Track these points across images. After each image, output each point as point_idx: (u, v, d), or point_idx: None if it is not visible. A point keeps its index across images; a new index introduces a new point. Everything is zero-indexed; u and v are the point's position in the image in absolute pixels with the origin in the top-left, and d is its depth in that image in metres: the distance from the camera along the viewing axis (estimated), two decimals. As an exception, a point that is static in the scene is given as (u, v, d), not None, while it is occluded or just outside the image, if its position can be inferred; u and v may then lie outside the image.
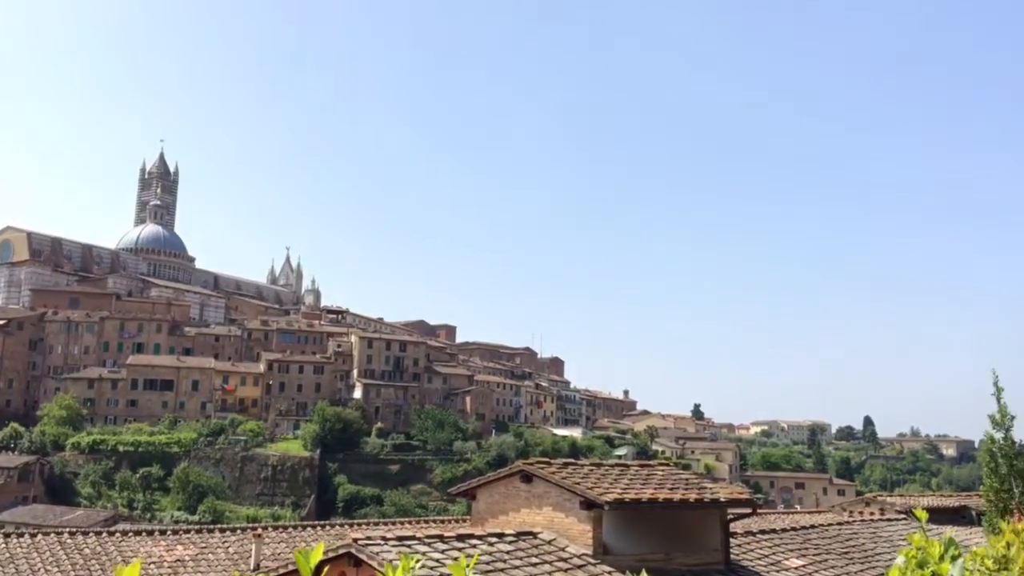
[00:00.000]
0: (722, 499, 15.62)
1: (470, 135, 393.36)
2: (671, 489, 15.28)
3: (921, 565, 2.92)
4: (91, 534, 21.34)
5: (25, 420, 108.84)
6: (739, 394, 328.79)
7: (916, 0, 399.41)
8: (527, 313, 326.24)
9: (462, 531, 14.20)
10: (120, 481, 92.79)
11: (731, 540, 16.36)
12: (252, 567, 18.66)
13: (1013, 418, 18.37)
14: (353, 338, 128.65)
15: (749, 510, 16.90)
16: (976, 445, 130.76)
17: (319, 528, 25.16)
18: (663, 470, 17.08)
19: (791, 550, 18.14)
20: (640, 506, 14.41)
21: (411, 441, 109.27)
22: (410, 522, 30.83)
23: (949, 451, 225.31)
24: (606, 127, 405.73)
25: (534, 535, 14.24)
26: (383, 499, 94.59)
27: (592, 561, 13.68)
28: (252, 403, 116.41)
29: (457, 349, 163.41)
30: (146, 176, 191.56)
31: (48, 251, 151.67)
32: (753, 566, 16.21)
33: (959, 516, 28.76)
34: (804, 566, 17.12)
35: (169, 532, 22.43)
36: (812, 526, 21.77)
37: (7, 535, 20.76)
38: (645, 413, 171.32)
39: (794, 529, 20.55)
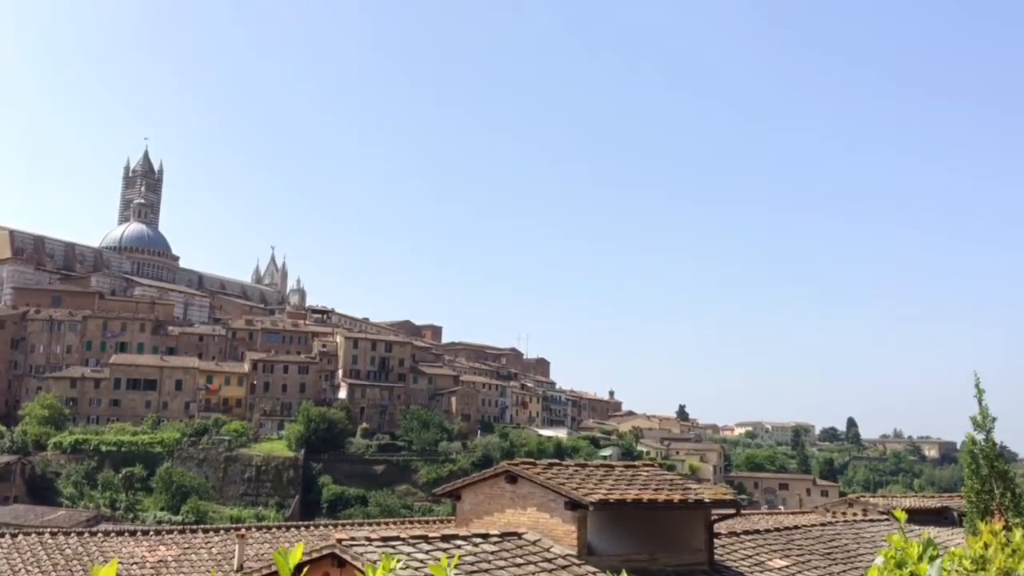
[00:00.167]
0: (706, 500, 15.68)
1: (457, 136, 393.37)
2: (656, 490, 15.33)
3: (900, 565, 2.95)
4: (73, 534, 21.18)
5: (6, 419, 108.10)
6: (724, 395, 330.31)
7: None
8: (513, 314, 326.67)
9: (447, 532, 14.19)
10: (102, 481, 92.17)
11: (715, 541, 16.43)
12: (235, 568, 18.57)
13: (994, 420, 18.50)
14: (338, 338, 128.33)
15: (733, 511, 16.97)
16: (958, 447, 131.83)
17: (303, 529, 25.04)
18: (648, 471, 17.12)
19: (775, 551, 18.23)
20: (625, 507, 14.45)
21: (396, 441, 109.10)
22: (395, 523, 30.74)
23: (931, 452, 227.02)
24: (590, 129, 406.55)
25: (519, 536, 14.25)
26: (368, 499, 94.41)
27: (577, 562, 13.70)
28: (236, 403, 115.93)
29: (443, 349, 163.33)
30: (130, 174, 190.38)
31: (31, 249, 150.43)
32: (737, 567, 16.28)
33: (941, 517, 28.93)
34: (787, 567, 17.21)
35: (152, 532, 22.27)
36: (795, 527, 21.88)
37: (-13, 535, 20.57)
38: (630, 414, 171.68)
39: (777, 530, 20.64)
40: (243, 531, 21.40)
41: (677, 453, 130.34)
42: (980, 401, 18.21)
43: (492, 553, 13.00)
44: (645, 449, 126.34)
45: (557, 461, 17.35)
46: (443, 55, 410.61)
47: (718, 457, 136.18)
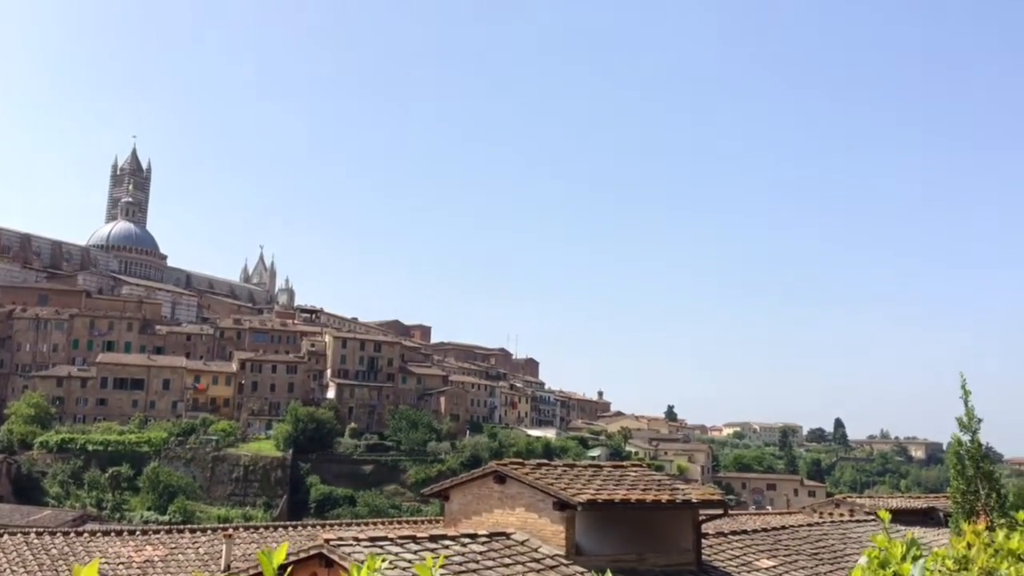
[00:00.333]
0: (694, 500, 15.73)
1: (447, 137, 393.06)
2: (644, 490, 15.37)
3: (883, 565, 2.98)
4: (59, 534, 21.07)
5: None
6: (712, 396, 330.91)
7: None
8: (502, 314, 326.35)
9: (435, 532, 14.20)
10: (89, 481, 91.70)
11: (703, 541, 16.48)
12: (223, 568, 18.51)
13: (980, 421, 18.65)
14: (327, 338, 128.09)
15: (721, 511, 17.04)
16: (944, 447, 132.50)
17: (291, 529, 24.99)
18: (636, 471, 17.16)
19: (762, 551, 18.30)
20: (613, 507, 14.49)
21: (385, 441, 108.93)
22: (383, 523, 30.71)
23: (918, 453, 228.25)
24: (581, 130, 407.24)
25: (507, 536, 14.26)
26: (356, 499, 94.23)
27: (565, 562, 13.72)
28: (224, 403, 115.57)
29: (432, 349, 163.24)
30: (118, 172, 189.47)
31: (17, 247, 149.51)
32: (724, 567, 16.34)
33: (927, 518, 29.13)
34: (775, 567, 17.28)
35: (138, 532, 22.17)
36: (783, 527, 21.97)
37: (-28, 535, 20.44)
38: (619, 414, 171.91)
39: (765, 530, 20.72)
40: (230, 531, 21.34)
41: (665, 453, 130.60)
42: (966, 402, 18.36)
43: (480, 553, 13.01)
44: (633, 449, 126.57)
45: (546, 461, 17.38)
46: (429, 49, 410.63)
47: (706, 458, 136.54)
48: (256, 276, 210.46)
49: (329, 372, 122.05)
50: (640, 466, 18.45)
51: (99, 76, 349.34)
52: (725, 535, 18.72)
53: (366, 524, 30.86)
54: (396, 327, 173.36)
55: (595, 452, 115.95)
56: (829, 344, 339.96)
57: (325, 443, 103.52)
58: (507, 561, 13.05)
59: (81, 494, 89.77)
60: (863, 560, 3.10)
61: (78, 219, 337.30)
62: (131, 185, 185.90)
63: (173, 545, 20.60)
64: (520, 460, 16.99)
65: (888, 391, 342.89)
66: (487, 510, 15.54)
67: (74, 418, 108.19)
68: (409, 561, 11.51)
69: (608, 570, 3.95)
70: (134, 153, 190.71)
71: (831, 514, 30.49)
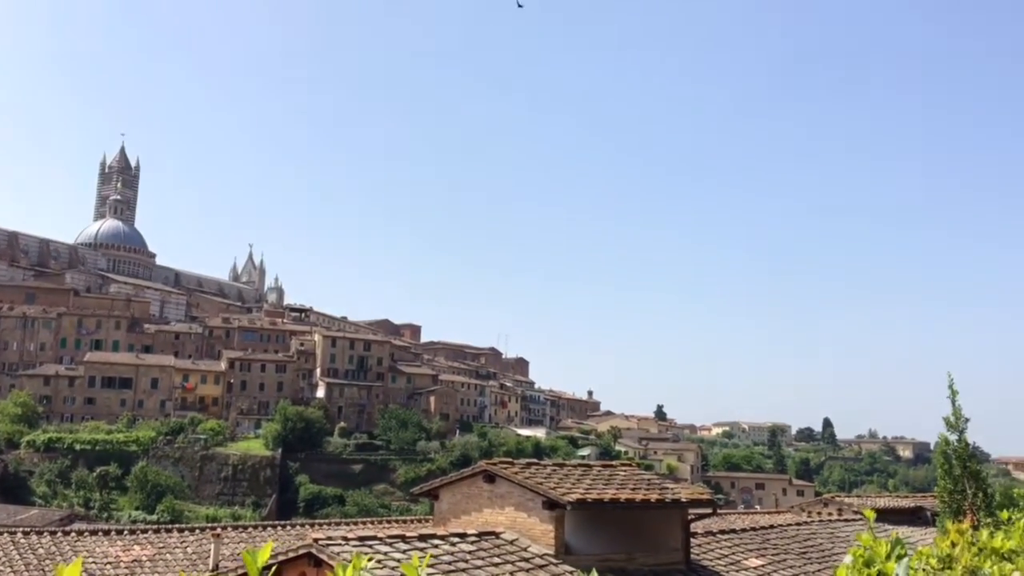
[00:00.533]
0: (683, 499, 15.78)
1: (437, 136, 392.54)
2: (633, 489, 15.40)
3: (868, 564, 3.00)
4: (46, 534, 20.96)
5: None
6: (701, 396, 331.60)
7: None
8: (492, 313, 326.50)
9: (424, 531, 14.19)
10: (76, 480, 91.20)
11: (692, 540, 16.54)
12: (211, 567, 18.46)
13: (967, 420, 18.76)
14: (316, 337, 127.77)
15: (710, 510, 17.10)
16: (932, 447, 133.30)
17: (280, 528, 24.94)
18: (625, 470, 17.20)
19: (751, 550, 18.36)
20: (602, 506, 14.51)
21: (374, 441, 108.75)
22: (372, 522, 30.66)
23: (906, 453, 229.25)
24: (574, 131, 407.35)
25: (496, 535, 14.27)
26: (345, 499, 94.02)
27: (554, 561, 13.74)
28: (213, 402, 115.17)
29: (422, 348, 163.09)
30: (106, 170, 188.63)
31: (4, 245, 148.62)
32: (713, 566, 16.39)
33: (915, 517, 29.27)
34: (763, 566, 17.35)
35: (126, 532, 22.07)
36: (771, 526, 22.06)
37: (-42, 535, 20.32)
38: (608, 414, 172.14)
39: (754, 529, 20.81)
40: (219, 531, 21.28)
41: (655, 453, 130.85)
42: (953, 402, 18.47)
43: (470, 553, 13.01)
44: (623, 449, 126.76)
45: (535, 461, 17.40)
46: (421, 48, 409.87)
47: (695, 457, 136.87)
48: (245, 275, 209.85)
49: (318, 371, 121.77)
50: (629, 465, 18.49)
51: (87, 74, 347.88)
52: (714, 534, 18.78)
53: (355, 523, 30.83)
54: (386, 326, 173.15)
55: (584, 451, 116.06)
56: (818, 344, 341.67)
57: (314, 442, 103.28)
58: (496, 560, 13.06)
59: (68, 494, 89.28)
60: (848, 559, 3.12)
61: (66, 217, 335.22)
62: (119, 183, 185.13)
63: (161, 545, 20.52)
64: (510, 459, 17.00)
65: (876, 391, 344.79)
66: (476, 509, 15.55)
67: (62, 417, 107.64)
68: (398, 561, 11.51)
69: (594, 569, 3.95)
70: (123, 151, 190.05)
71: (819, 513, 30.62)
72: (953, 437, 18.79)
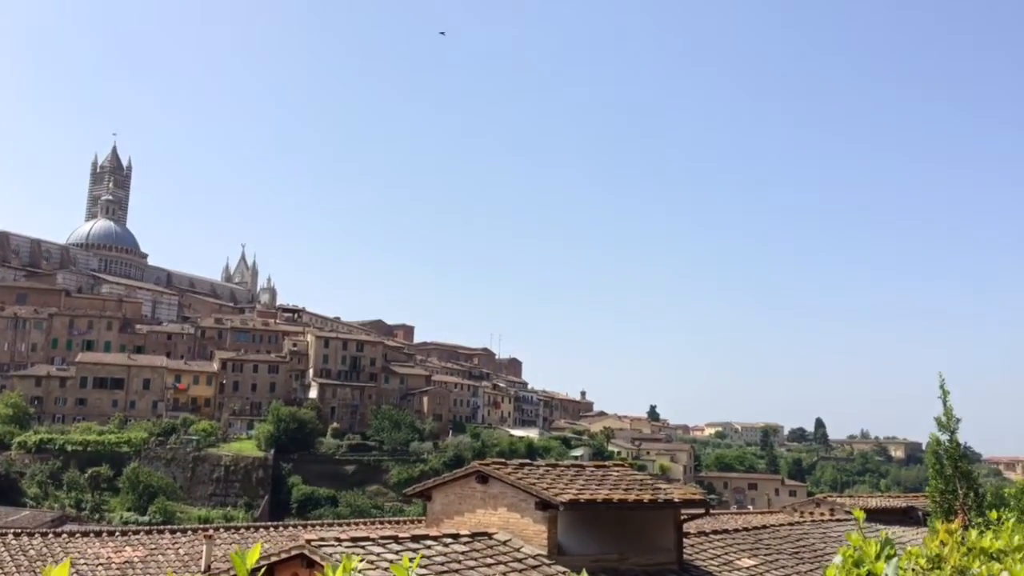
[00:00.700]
0: (676, 500, 15.80)
1: (431, 137, 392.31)
2: (626, 490, 15.42)
3: (858, 564, 3.02)
4: (37, 535, 20.89)
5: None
6: (694, 396, 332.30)
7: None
8: (485, 314, 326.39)
9: (417, 532, 14.19)
10: (68, 481, 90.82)
11: (684, 540, 16.56)
12: (203, 569, 18.42)
13: (958, 420, 18.85)
14: (309, 337, 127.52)
15: (702, 510, 17.12)
16: (923, 447, 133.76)
17: (272, 529, 24.89)
18: (618, 471, 17.22)
19: (743, 550, 18.40)
20: (595, 507, 14.52)
21: (367, 441, 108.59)
22: (365, 523, 30.67)
23: (897, 453, 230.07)
24: (569, 132, 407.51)
25: (489, 536, 14.27)
26: (338, 500, 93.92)
27: (547, 561, 13.74)
28: (205, 402, 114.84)
29: (415, 349, 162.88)
30: (98, 170, 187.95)
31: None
32: (706, 566, 16.42)
33: (907, 517, 29.37)
34: (755, 566, 17.38)
35: (118, 533, 22.01)
36: (764, 526, 22.11)
37: (-51, 537, 20.22)
38: (601, 414, 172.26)
39: (746, 529, 20.85)
40: (211, 532, 21.21)
41: (648, 453, 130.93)
42: (945, 402, 18.55)
43: (462, 553, 13.02)
44: (616, 449, 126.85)
45: (528, 461, 17.39)
46: (418, 48, 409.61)
47: (688, 457, 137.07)
48: (238, 275, 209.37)
49: (311, 372, 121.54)
50: (622, 466, 18.51)
51: (79, 74, 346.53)
52: (706, 534, 18.82)
53: (348, 524, 30.81)
54: (379, 327, 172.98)
55: (578, 452, 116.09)
56: (810, 345, 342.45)
57: (307, 443, 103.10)
58: (489, 561, 13.06)
59: (60, 495, 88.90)
60: (838, 559, 3.14)
61: (58, 217, 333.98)
62: (111, 183, 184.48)
63: (153, 546, 20.47)
64: (503, 460, 16.99)
65: (868, 391, 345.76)
66: (469, 510, 15.55)
67: (53, 418, 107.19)
68: (391, 561, 11.50)
69: (584, 569, 3.96)
70: (114, 151, 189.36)
71: (811, 513, 30.73)
72: (944, 437, 18.88)
